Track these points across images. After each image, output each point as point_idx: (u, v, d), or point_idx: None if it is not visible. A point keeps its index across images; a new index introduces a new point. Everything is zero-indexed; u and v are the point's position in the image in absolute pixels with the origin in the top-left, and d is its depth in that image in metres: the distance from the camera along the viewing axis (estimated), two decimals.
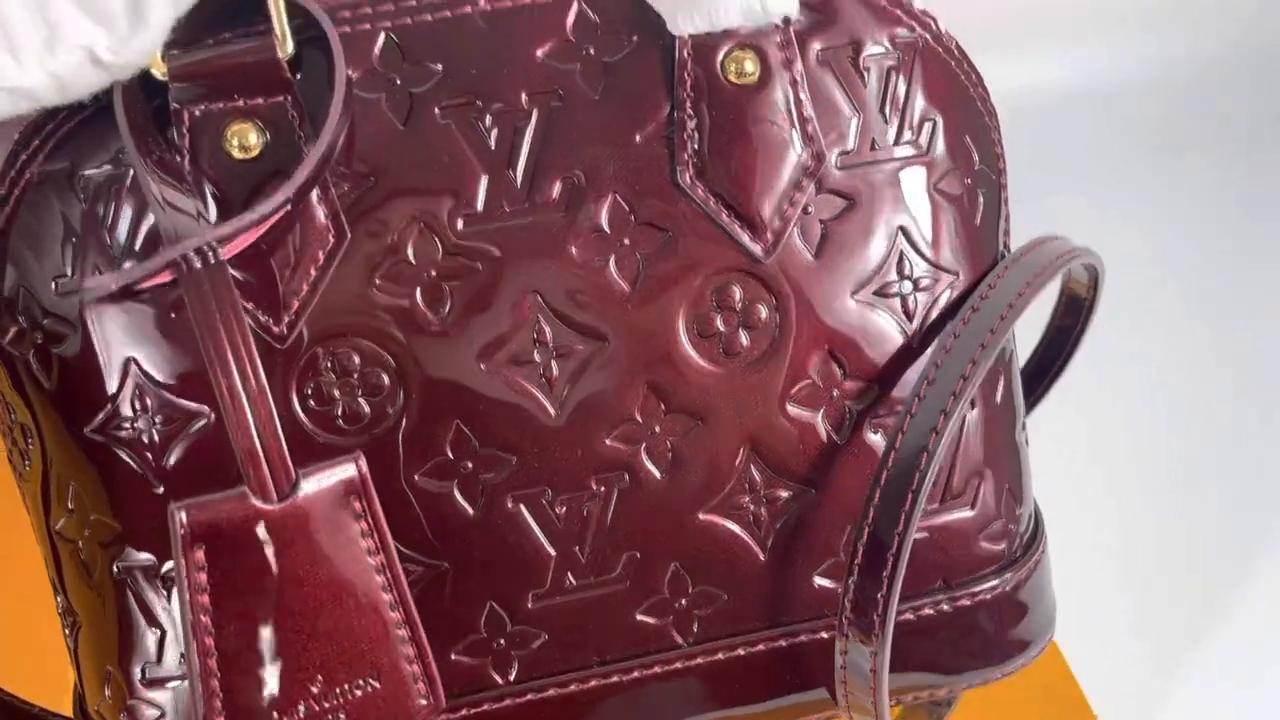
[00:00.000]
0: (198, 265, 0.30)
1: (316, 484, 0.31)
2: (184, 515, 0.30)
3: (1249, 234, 0.77)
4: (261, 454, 0.30)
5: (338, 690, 0.31)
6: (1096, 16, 0.74)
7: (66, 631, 0.37)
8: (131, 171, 0.33)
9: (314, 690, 0.31)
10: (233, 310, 0.30)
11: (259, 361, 0.30)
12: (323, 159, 0.32)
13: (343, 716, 0.31)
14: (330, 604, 0.30)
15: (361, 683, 0.31)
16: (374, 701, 0.32)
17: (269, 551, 0.30)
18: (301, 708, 0.31)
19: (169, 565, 0.35)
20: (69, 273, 0.34)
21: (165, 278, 0.30)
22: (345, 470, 0.31)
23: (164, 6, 0.30)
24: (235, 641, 0.30)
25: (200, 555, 0.29)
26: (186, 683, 0.35)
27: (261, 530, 0.30)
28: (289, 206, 0.32)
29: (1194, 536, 0.68)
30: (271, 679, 0.30)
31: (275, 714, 0.30)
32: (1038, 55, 0.76)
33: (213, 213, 0.33)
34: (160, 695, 0.35)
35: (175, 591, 0.34)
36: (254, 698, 0.30)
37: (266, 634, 0.30)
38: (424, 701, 0.32)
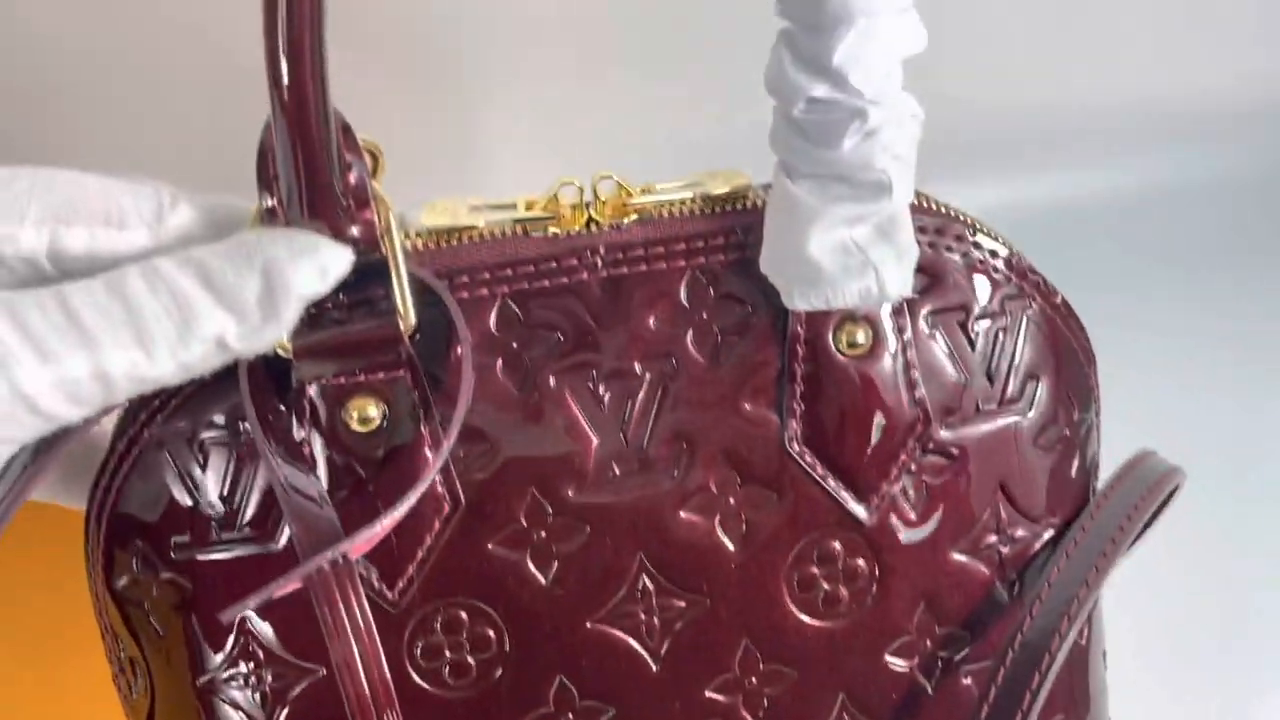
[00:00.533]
0: (327, 570, 0.30)
1: None
2: None
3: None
4: None
5: None
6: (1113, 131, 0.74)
7: None
8: (248, 435, 0.34)
9: None
10: (355, 594, 0.31)
11: (378, 637, 0.31)
12: (448, 455, 0.32)
13: None
14: None
15: None
16: None
17: None
18: None
19: None
20: (187, 536, 0.34)
21: (295, 586, 0.30)
22: None
23: (298, 301, 0.30)
24: None
25: None
26: None
27: None
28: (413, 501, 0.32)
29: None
30: None
31: None
32: (1052, 169, 0.76)
33: (325, 481, 0.33)
34: None
35: None
36: None
37: None
38: None
